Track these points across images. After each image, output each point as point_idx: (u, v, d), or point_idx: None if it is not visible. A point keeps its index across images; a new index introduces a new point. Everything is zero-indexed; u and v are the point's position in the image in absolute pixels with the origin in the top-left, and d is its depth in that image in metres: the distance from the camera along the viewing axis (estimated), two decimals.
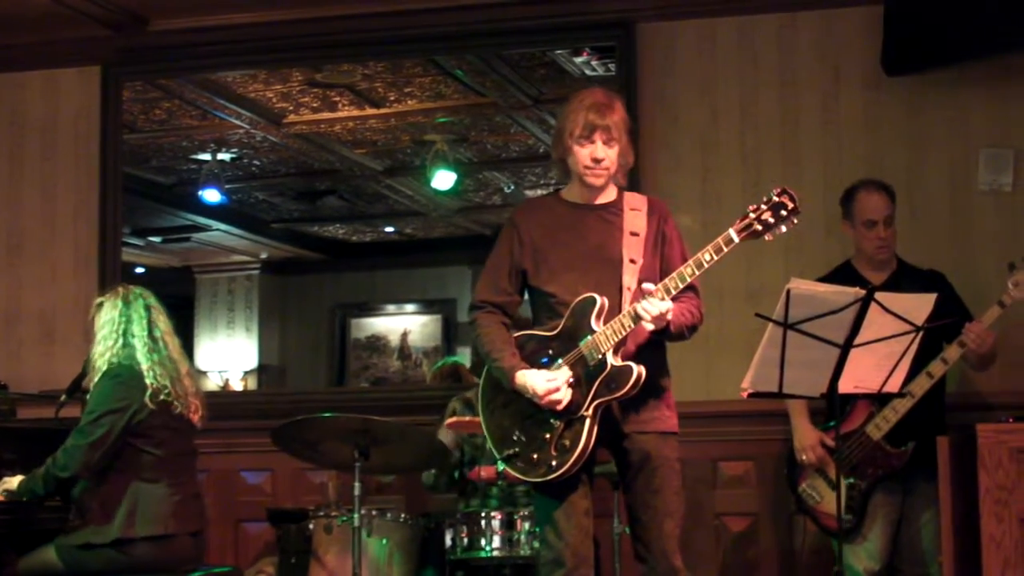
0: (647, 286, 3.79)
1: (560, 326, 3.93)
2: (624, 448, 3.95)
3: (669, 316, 3.79)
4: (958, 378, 5.21)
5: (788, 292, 3.88)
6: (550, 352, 3.93)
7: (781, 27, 5.76)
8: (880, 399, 4.70)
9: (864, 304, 3.91)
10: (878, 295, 3.92)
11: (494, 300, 4.05)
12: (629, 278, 3.89)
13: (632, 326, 3.81)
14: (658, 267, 3.97)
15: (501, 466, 4.79)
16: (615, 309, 3.86)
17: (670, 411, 4.00)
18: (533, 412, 3.91)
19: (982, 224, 5.51)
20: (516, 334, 4.02)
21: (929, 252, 5.17)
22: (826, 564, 5.21)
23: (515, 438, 3.95)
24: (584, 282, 3.92)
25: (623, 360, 3.84)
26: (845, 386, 4.07)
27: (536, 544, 4.52)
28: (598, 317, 3.86)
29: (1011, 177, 5.48)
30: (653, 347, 3.97)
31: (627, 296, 3.88)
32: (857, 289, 3.93)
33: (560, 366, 3.89)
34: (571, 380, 3.86)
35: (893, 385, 4.15)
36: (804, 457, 4.92)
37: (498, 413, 4.01)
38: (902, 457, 4.79)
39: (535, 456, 3.90)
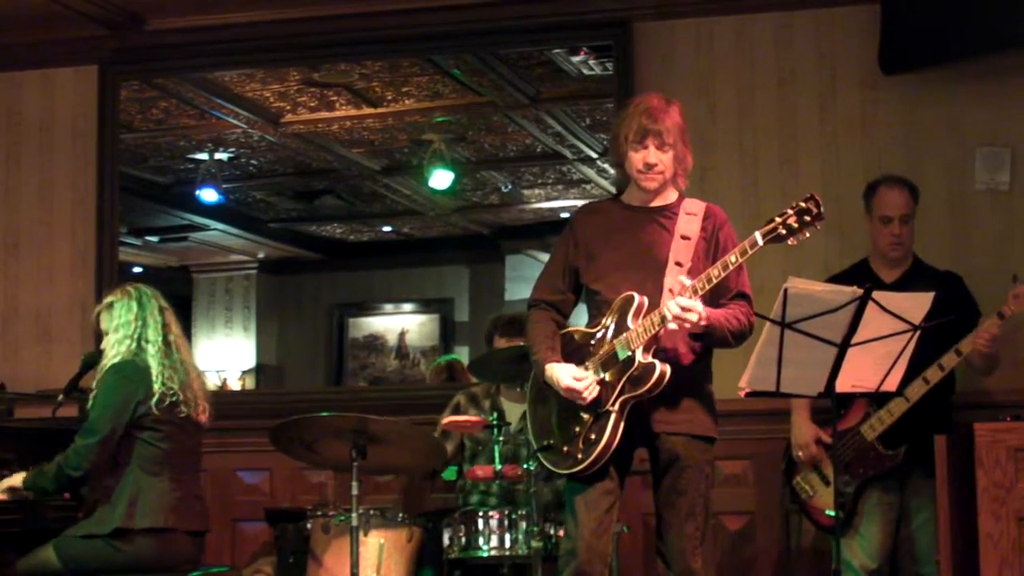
0: (681, 279, 3.83)
1: (601, 323, 4.00)
2: (655, 447, 4.01)
3: (694, 317, 3.79)
4: (964, 378, 5.19)
5: (785, 291, 3.87)
6: (590, 347, 4.00)
7: (778, 26, 5.76)
8: (877, 399, 4.71)
9: (862, 303, 3.91)
10: (876, 294, 3.91)
11: (548, 299, 4.17)
12: (672, 280, 3.91)
13: (660, 324, 3.85)
14: None
15: (499, 466, 4.81)
16: (654, 309, 3.89)
17: (707, 416, 4.03)
18: (567, 407, 4.00)
19: (979, 223, 5.50)
20: (563, 331, 4.11)
21: (926, 251, 5.16)
22: (823, 563, 5.21)
23: (551, 430, 4.06)
24: (628, 281, 3.99)
25: (652, 359, 3.88)
26: (843, 385, 4.06)
27: (533, 543, 4.56)
28: (635, 315, 3.92)
29: (1008, 175, 5.48)
30: (698, 351, 4.00)
31: (668, 298, 3.89)
32: (854, 288, 3.92)
33: (593, 364, 3.96)
34: (601, 379, 3.92)
35: (891, 384, 4.14)
36: (799, 454, 4.94)
37: (539, 406, 4.13)
38: (893, 460, 4.80)
39: (565, 449, 4.00)
